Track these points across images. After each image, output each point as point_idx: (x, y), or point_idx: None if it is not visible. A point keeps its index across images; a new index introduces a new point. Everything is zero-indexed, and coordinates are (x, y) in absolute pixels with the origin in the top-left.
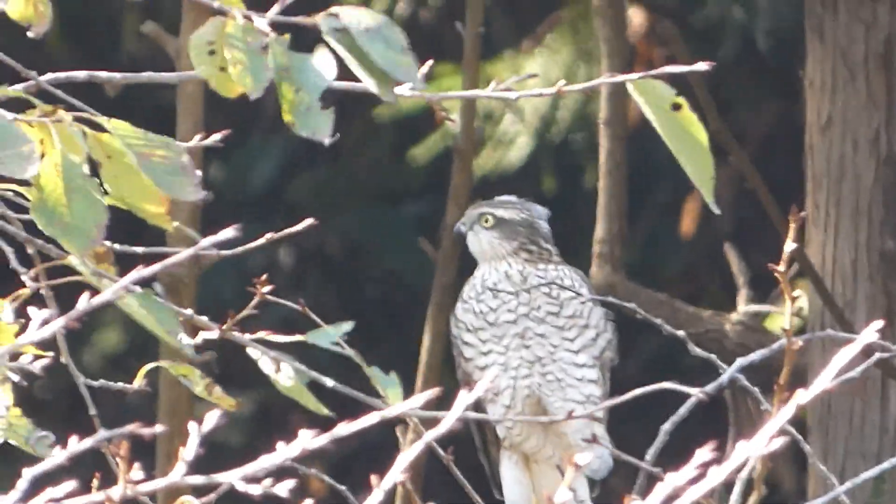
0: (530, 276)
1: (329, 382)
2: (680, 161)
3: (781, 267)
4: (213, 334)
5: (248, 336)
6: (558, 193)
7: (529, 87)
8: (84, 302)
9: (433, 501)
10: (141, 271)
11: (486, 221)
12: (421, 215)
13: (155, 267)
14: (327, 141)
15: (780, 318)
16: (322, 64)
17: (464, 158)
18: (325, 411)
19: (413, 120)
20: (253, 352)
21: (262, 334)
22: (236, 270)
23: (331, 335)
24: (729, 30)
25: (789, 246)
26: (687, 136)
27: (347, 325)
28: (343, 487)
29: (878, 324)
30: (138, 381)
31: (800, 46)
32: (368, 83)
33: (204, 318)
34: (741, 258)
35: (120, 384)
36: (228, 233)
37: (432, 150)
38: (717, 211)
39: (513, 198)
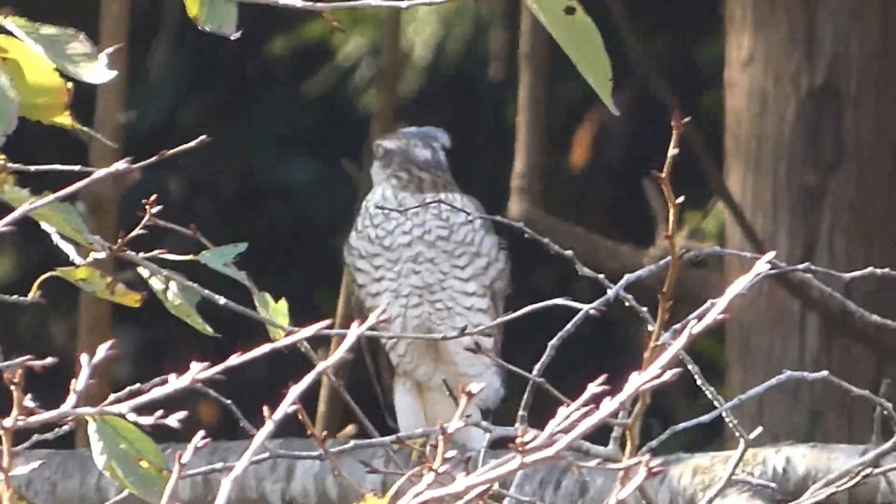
0: (407, 202)
1: (220, 300)
2: (577, 65)
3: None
4: (103, 254)
5: (140, 255)
6: (450, 126)
7: (418, 19)
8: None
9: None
10: (64, 190)
11: (378, 152)
12: (318, 147)
13: (79, 184)
14: (234, 35)
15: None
16: None
17: (387, 81)
18: (210, 331)
19: (308, 53)
20: (144, 270)
21: (154, 253)
22: (150, 196)
23: (224, 256)
24: None
25: (672, 152)
26: (581, 39)
27: (241, 246)
28: (232, 405)
29: (772, 253)
30: (33, 293)
31: None
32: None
33: (97, 238)
34: (648, 191)
35: (14, 297)
36: (120, 165)
37: (326, 83)
38: (615, 112)
39: (413, 128)
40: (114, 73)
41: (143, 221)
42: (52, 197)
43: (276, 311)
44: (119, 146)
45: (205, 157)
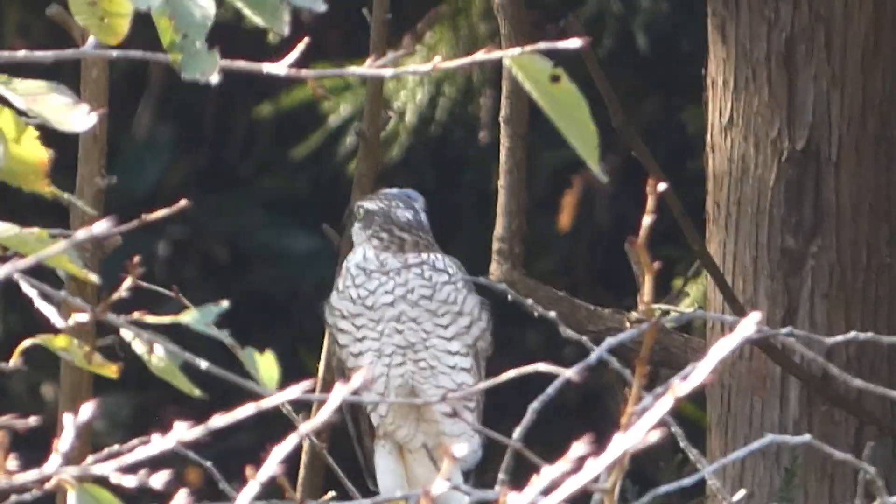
0: (388, 263)
1: (203, 364)
2: (563, 133)
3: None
4: (86, 316)
5: (122, 317)
6: (438, 190)
7: (408, 84)
8: None
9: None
10: (44, 251)
11: (359, 214)
12: (305, 211)
13: (58, 247)
14: (215, 80)
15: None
16: (203, 3)
17: (369, 145)
18: (197, 393)
19: (293, 116)
20: (126, 332)
21: (136, 315)
22: (141, 256)
23: (205, 316)
24: (608, 26)
25: (648, 217)
26: (568, 107)
27: (222, 306)
28: (213, 468)
29: (757, 315)
30: (15, 360)
31: (679, 42)
32: (256, 17)
33: (77, 300)
34: (630, 255)
35: None
36: (102, 225)
37: (314, 148)
38: (604, 179)
39: (394, 189)
40: (94, 120)
41: (125, 284)
42: (33, 258)
43: (264, 365)
44: (100, 211)
45: (191, 221)
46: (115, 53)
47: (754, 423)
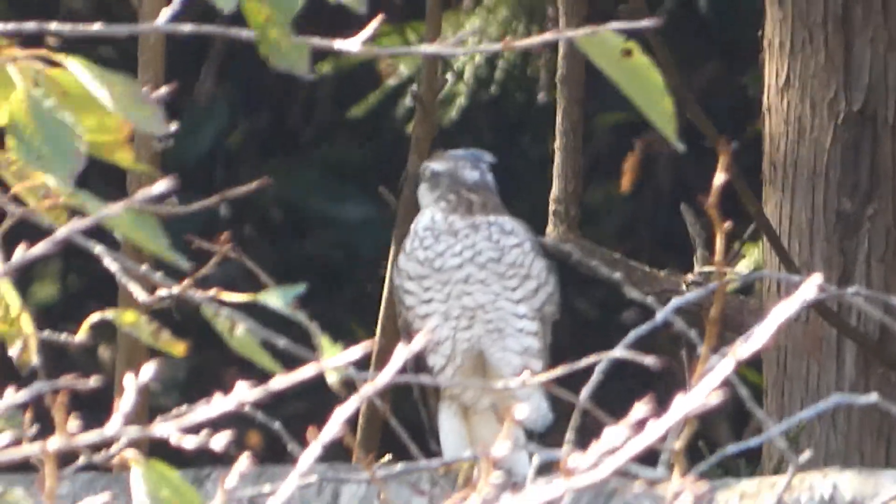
0: (456, 225)
1: (281, 342)
2: (639, 106)
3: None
4: (174, 290)
5: (202, 294)
6: (495, 151)
7: (467, 45)
8: (43, 245)
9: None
10: (106, 210)
11: (425, 175)
12: (363, 173)
13: (117, 206)
14: (307, 76)
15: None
16: None
17: (426, 108)
18: (278, 369)
19: (354, 78)
20: (207, 310)
21: (212, 292)
22: (200, 221)
23: (283, 296)
24: None
25: (720, 178)
26: (642, 81)
27: (300, 287)
28: (281, 427)
29: (818, 278)
30: (82, 334)
31: (739, 5)
32: None
33: (160, 274)
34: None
35: (64, 335)
36: (161, 186)
37: (371, 106)
38: (680, 148)
39: (460, 150)
40: (172, 127)
41: (215, 259)
42: (94, 217)
43: (335, 353)
44: (156, 174)
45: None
46: (187, 29)
47: (810, 385)
